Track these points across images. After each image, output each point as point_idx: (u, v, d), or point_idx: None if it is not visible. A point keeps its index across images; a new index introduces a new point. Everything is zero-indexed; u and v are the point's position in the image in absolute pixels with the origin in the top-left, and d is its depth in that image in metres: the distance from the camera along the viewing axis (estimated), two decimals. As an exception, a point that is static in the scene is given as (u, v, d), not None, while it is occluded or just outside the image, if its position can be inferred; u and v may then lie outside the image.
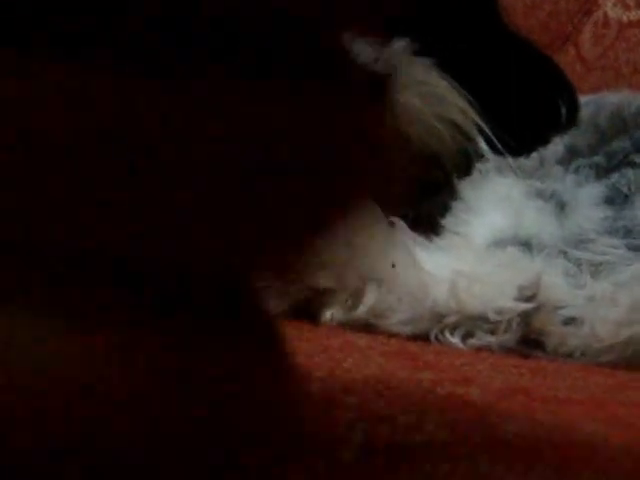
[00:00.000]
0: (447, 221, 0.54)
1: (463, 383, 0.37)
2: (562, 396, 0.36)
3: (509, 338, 0.47)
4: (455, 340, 0.47)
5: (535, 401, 0.36)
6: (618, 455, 0.31)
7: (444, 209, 0.54)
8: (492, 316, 0.47)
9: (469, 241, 0.52)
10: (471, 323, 0.48)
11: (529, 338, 0.49)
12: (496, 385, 0.37)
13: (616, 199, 0.52)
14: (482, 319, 0.47)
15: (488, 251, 0.51)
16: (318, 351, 0.39)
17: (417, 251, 0.50)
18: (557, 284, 0.49)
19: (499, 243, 0.52)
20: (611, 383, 0.39)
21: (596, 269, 0.50)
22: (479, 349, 0.45)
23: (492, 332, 0.47)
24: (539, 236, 0.52)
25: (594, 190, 0.53)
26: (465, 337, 0.48)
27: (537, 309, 0.49)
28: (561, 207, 0.53)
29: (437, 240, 0.52)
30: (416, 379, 0.37)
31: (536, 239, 0.52)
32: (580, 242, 0.51)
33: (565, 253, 0.51)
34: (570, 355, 0.47)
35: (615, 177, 0.53)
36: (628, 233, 0.51)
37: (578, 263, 0.50)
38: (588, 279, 0.49)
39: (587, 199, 0.53)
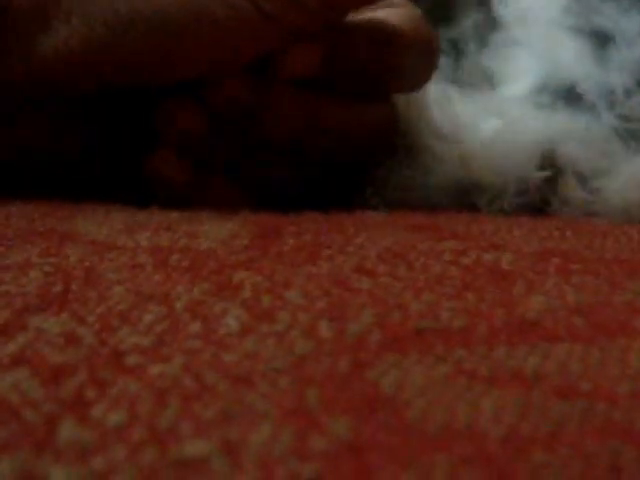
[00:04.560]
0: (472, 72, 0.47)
1: (492, 249, 0.31)
2: (608, 256, 0.30)
3: (532, 200, 0.41)
4: (481, 204, 0.41)
5: (573, 263, 0.30)
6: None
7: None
8: (513, 186, 0.41)
9: (493, 99, 0.45)
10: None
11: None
12: (531, 249, 0.31)
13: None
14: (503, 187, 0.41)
15: (511, 115, 0.44)
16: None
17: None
18: (580, 153, 0.43)
19: (532, 97, 0.45)
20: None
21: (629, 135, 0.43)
22: (518, 214, 0.39)
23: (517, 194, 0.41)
24: (579, 86, 0.45)
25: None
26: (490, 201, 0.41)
27: (560, 176, 0.42)
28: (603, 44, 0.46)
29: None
30: (438, 250, 0.31)
31: (575, 90, 0.45)
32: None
33: (604, 111, 0.44)
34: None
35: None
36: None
37: (613, 126, 0.44)
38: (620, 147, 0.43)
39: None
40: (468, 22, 0.49)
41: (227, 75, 0.37)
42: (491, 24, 0.49)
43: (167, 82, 0.37)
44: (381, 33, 0.39)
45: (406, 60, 0.40)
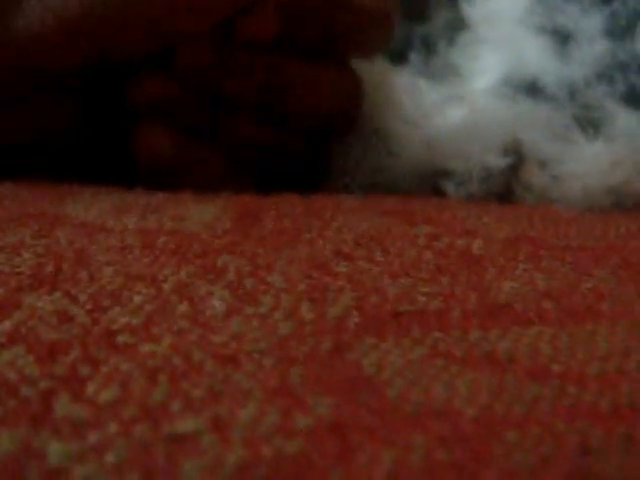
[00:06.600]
0: (441, 67, 0.47)
1: (464, 235, 0.31)
2: (574, 244, 0.30)
3: (496, 185, 0.41)
4: (447, 189, 0.41)
5: (542, 249, 0.30)
6: (629, 301, 0.25)
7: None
8: (477, 172, 0.41)
9: (460, 90, 0.45)
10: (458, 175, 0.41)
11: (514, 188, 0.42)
12: (501, 235, 0.31)
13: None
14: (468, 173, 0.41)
15: (477, 105, 0.44)
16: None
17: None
18: (541, 140, 0.43)
19: (497, 89, 0.45)
20: (634, 229, 0.33)
21: (589, 124, 0.43)
22: (487, 201, 0.38)
23: (481, 180, 0.41)
24: (541, 80, 0.45)
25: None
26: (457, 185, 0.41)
27: (522, 164, 0.42)
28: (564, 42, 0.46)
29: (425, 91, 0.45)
30: (412, 235, 0.31)
31: (538, 83, 0.45)
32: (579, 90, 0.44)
33: (566, 101, 0.44)
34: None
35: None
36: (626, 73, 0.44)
37: (574, 116, 0.44)
38: (580, 136, 0.43)
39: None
40: (438, 21, 0.49)
41: (192, 41, 0.37)
42: (459, 23, 0.49)
43: (142, 53, 0.36)
44: None
45: (360, 23, 0.40)
